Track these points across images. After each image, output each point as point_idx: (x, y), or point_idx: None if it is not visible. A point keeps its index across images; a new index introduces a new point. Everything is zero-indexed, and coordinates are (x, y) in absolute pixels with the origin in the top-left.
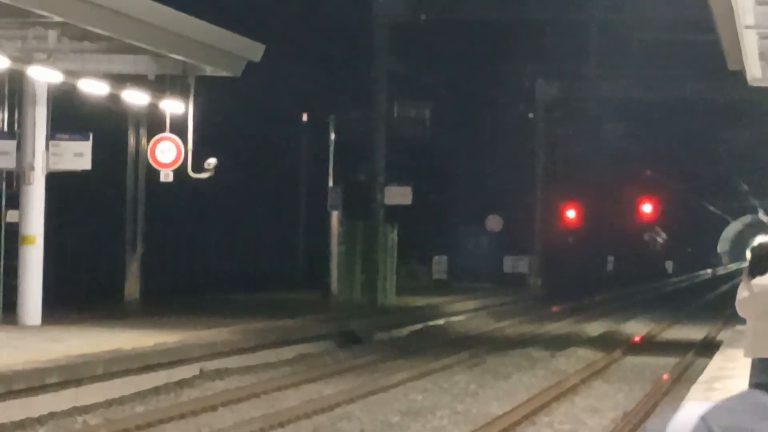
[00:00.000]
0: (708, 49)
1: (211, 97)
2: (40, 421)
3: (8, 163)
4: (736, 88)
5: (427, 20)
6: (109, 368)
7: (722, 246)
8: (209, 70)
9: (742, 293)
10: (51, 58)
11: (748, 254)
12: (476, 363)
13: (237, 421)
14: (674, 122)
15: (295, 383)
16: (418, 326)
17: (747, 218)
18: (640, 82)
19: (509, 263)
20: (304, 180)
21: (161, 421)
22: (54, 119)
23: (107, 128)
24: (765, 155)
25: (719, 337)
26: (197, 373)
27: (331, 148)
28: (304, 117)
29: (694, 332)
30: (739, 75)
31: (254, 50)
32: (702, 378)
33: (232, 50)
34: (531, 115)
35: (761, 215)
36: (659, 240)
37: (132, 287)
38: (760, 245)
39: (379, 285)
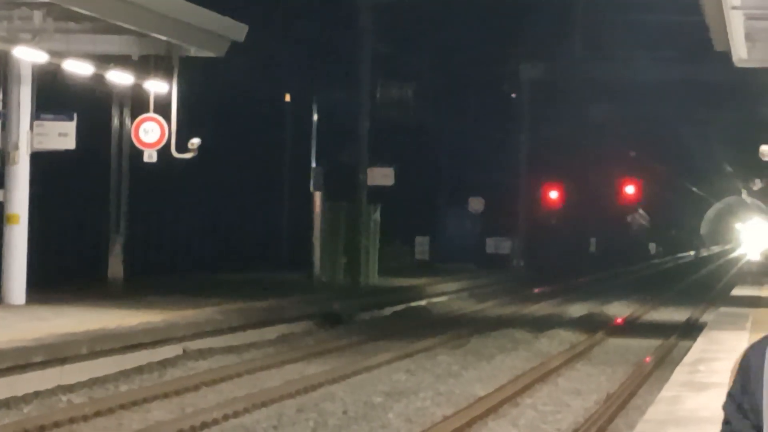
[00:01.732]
0: (694, 30)
1: (195, 77)
2: (24, 399)
3: None
4: (721, 70)
5: (411, 1)
6: (93, 347)
7: (705, 228)
8: (193, 51)
9: None
10: (36, 38)
11: None
12: (459, 344)
13: (220, 401)
14: (659, 103)
15: (278, 363)
16: (401, 307)
17: (730, 199)
18: (625, 63)
19: (492, 244)
20: (287, 161)
21: (145, 400)
22: (39, 99)
23: (91, 108)
24: (750, 136)
25: (702, 319)
26: (180, 352)
27: (314, 129)
28: (287, 98)
29: (677, 314)
30: (725, 56)
31: (238, 30)
32: (686, 360)
33: (216, 30)
34: (514, 96)
35: (744, 196)
36: (642, 222)
37: (116, 267)
38: None
39: (361, 266)
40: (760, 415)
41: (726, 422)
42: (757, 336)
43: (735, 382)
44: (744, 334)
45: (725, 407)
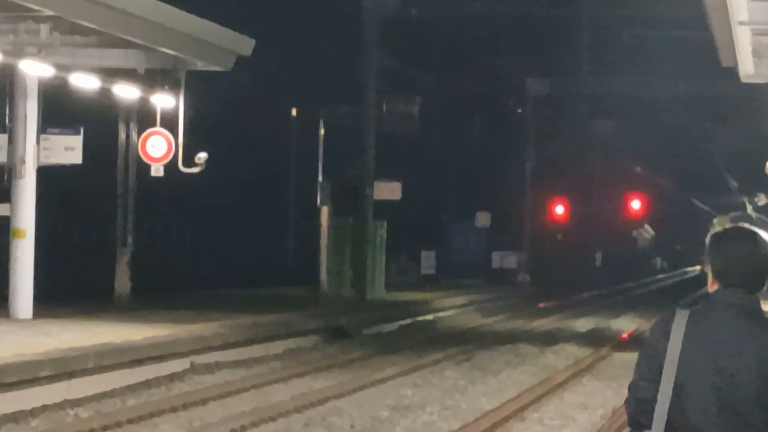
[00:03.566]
0: (700, 46)
1: (202, 91)
2: (32, 413)
3: None
4: (727, 85)
5: (417, 15)
6: (100, 362)
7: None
8: (200, 65)
9: None
10: (42, 52)
11: None
12: (465, 359)
13: (227, 415)
14: (664, 119)
15: (284, 378)
16: (407, 321)
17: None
18: (631, 78)
19: (498, 259)
20: (293, 175)
21: (152, 415)
22: (45, 113)
23: (98, 122)
24: (755, 151)
25: None
26: (188, 366)
27: (321, 144)
28: (294, 112)
29: None
30: (731, 72)
31: (244, 45)
32: None
33: (223, 44)
34: (520, 111)
35: (749, 211)
36: (648, 237)
37: (122, 282)
38: None
39: (368, 280)
40: (661, 358)
41: (636, 365)
42: None
43: (650, 334)
44: None
45: (639, 355)
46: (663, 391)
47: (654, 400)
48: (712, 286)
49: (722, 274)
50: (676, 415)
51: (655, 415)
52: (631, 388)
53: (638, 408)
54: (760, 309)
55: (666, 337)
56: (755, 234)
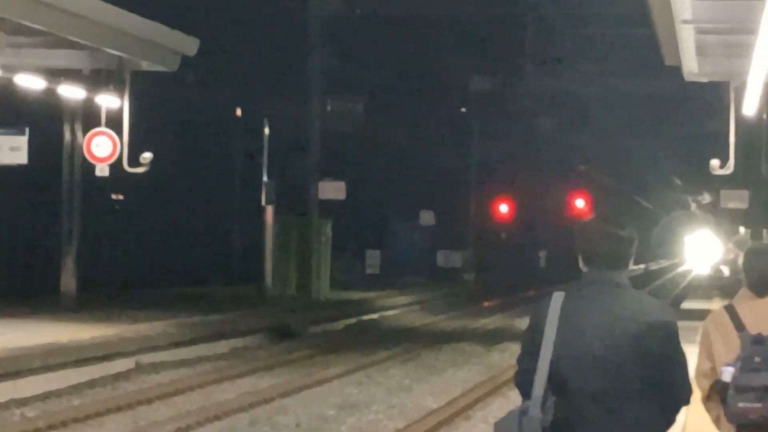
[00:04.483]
0: (644, 44)
1: (147, 91)
2: None
3: None
4: (671, 83)
5: (361, 15)
6: (46, 361)
7: (655, 241)
8: (145, 65)
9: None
10: None
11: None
12: (410, 357)
13: (173, 415)
14: (609, 117)
15: (230, 377)
16: (352, 320)
17: (680, 212)
18: (575, 76)
19: (442, 258)
20: (238, 175)
21: (98, 414)
22: None
23: (43, 123)
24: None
25: None
26: (133, 366)
27: (266, 143)
28: (239, 112)
29: None
30: (675, 69)
31: (189, 45)
32: None
33: (168, 45)
34: (464, 109)
35: (693, 209)
36: None
37: (68, 281)
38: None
39: (313, 279)
40: (541, 334)
41: (522, 337)
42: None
43: (533, 312)
44: (694, 348)
45: (523, 339)
46: (542, 363)
47: (533, 371)
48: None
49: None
50: (557, 382)
51: (534, 384)
52: (517, 361)
53: (523, 378)
54: None
55: (544, 310)
56: None
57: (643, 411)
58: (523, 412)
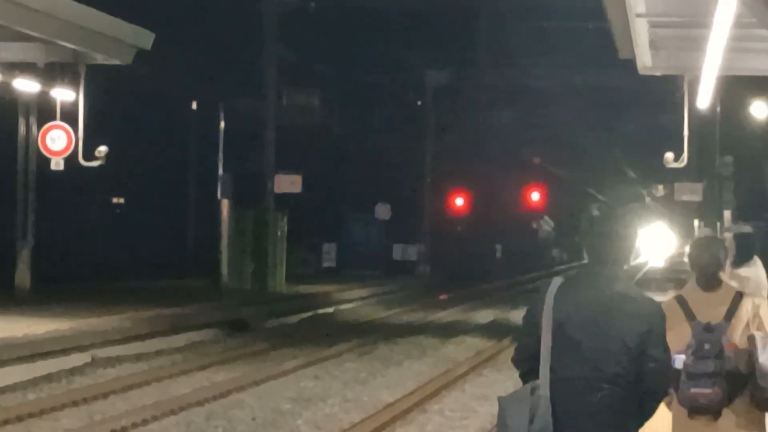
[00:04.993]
0: (598, 37)
1: (102, 85)
2: None
3: None
4: (625, 77)
5: (317, 7)
6: (0, 355)
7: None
8: (100, 58)
9: (729, 283)
10: None
11: (731, 242)
12: (366, 351)
13: (129, 409)
14: (563, 110)
15: (186, 371)
16: (308, 314)
17: (633, 206)
18: (530, 69)
19: (398, 251)
20: (193, 168)
21: (54, 409)
22: None
23: None
24: (653, 143)
25: None
26: (89, 360)
27: (221, 136)
28: (194, 105)
29: None
30: (629, 63)
31: (144, 38)
32: None
33: (123, 38)
34: (420, 103)
35: (648, 202)
36: (548, 228)
37: (23, 275)
38: (747, 234)
39: (268, 272)
40: (538, 324)
41: (520, 328)
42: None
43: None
44: None
45: (522, 318)
46: (544, 349)
47: (532, 355)
48: None
49: None
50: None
51: (541, 367)
52: (515, 338)
53: (519, 355)
54: None
55: (541, 300)
56: None
57: (619, 400)
58: (533, 389)
